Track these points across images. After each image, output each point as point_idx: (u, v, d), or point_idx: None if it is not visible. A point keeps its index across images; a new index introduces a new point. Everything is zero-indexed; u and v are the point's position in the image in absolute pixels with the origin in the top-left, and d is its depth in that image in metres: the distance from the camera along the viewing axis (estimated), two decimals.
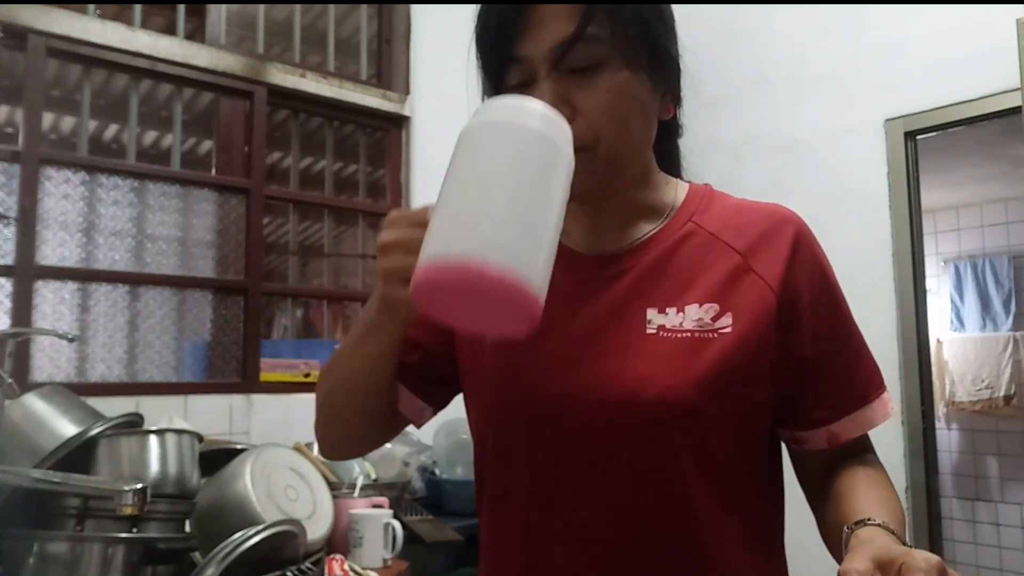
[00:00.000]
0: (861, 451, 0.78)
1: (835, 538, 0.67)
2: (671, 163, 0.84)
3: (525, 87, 0.70)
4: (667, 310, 0.72)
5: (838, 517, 0.68)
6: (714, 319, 0.71)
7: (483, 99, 0.76)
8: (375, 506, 1.84)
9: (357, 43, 2.94)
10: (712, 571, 0.71)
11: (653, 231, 0.77)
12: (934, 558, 0.51)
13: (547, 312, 0.74)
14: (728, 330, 0.70)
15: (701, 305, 0.71)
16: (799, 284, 0.73)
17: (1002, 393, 4.73)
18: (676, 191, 0.81)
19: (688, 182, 0.83)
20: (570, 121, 0.67)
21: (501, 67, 0.72)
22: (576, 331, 0.74)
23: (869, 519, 0.62)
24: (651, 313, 0.72)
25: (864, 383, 0.76)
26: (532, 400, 0.73)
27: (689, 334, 0.70)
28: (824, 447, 0.76)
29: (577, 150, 0.66)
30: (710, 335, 0.70)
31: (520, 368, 0.75)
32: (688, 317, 0.71)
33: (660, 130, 0.77)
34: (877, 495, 0.69)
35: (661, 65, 0.73)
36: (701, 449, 0.70)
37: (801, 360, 0.73)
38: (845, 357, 0.76)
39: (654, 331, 0.71)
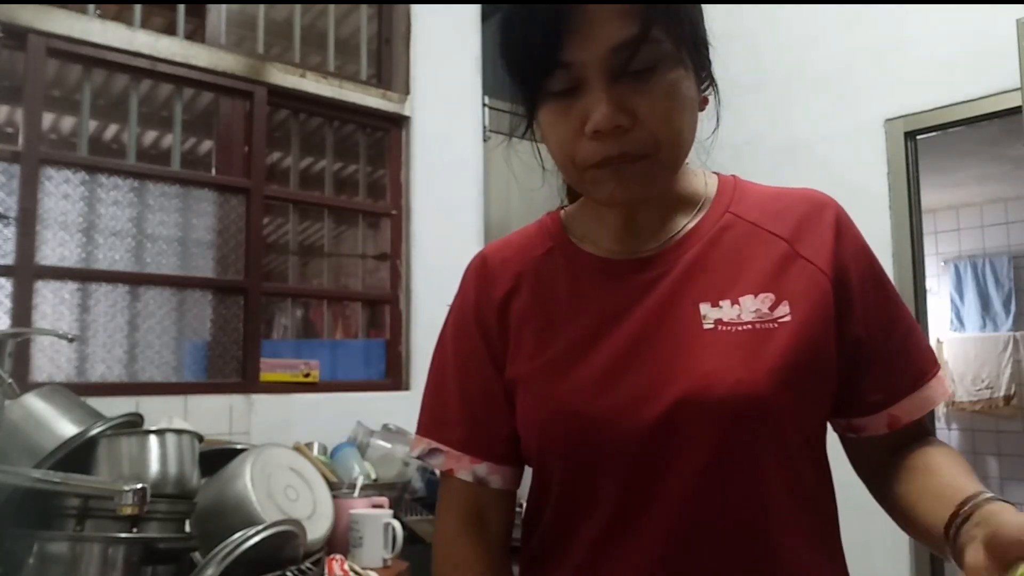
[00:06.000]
0: (924, 434, 0.74)
1: (926, 504, 0.65)
2: None
3: (570, 94, 0.66)
4: (720, 303, 0.70)
5: (936, 488, 0.65)
6: (771, 308, 0.69)
7: (513, 106, 0.73)
8: (375, 506, 1.84)
9: (357, 43, 2.94)
10: (781, 564, 0.69)
11: (689, 225, 0.75)
12: None
13: (590, 327, 0.73)
14: (788, 319, 0.68)
15: (756, 296, 0.70)
16: (847, 265, 0.72)
17: (1002, 393, 4.73)
18: (706, 181, 0.79)
19: (715, 173, 0.81)
20: (629, 129, 0.65)
21: (542, 73, 0.66)
22: (624, 338, 0.71)
23: (989, 495, 0.59)
24: (704, 308, 0.70)
25: (920, 362, 0.74)
26: (586, 418, 0.70)
27: (750, 326, 0.68)
28: (885, 432, 0.73)
29: (639, 158, 0.66)
30: (771, 325, 0.68)
31: (568, 389, 0.72)
32: (745, 309, 0.69)
33: None
34: (972, 475, 0.66)
35: (701, 57, 0.71)
36: (777, 442, 0.68)
37: (855, 342, 0.71)
38: (897, 337, 0.73)
39: (711, 326, 0.69)
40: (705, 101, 0.74)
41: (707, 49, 0.72)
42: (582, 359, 0.72)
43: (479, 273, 0.83)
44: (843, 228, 0.73)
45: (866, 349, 0.72)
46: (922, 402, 0.73)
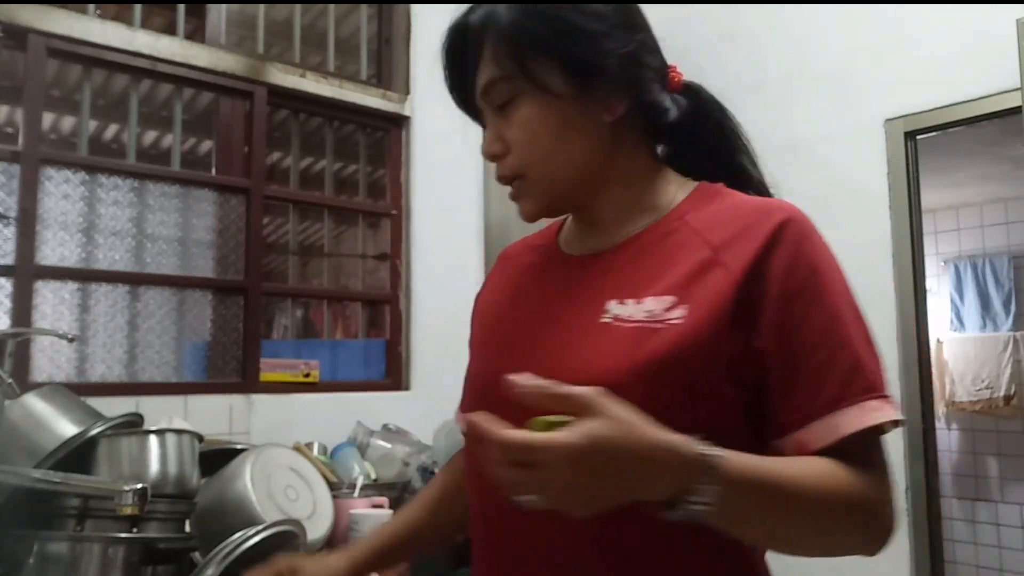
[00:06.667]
0: (857, 465, 0.66)
1: None
2: (673, 149, 0.84)
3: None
4: (626, 301, 0.73)
5: None
6: (667, 310, 0.70)
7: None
8: (375, 506, 1.84)
9: (357, 43, 2.94)
10: (641, 561, 0.69)
11: (638, 230, 0.78)
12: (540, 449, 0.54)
13: (524, 312, 0.83)
14: (679, 321, 0.69)
15: (659, 297, 0.71)
16: (770, 274, 0.69)
17: (1002, 393, 4.73)
18: (677, 191, 0.80)
19: (700, 182, 0.81)
20: (503, 155, 0.78)
21: (472, 115, 0.84)
22: (539, 324, 0.79)
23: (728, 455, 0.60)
24: (611, 304, 0.73)
25: (840, 385, 0.67)
26: (488, 391, 0.78)
27: (638, 324, 0.70)
28: None
29: (513, 178, 0.78)
30: (658, 325, 0.69)
31: (488, 363, 0.83)
32: (643, 308, 0.71)
33: (646, 122, 0.78)
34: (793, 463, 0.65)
35: (583, 78, 0.74)
36: None
37: (759, 354, 0.68)
38: (820, 356, 0.67)
39: (608, 320, 0.72)
40: (612, 112, 0.76)
41: (596, 70, 0.74)
42: (504, 340, 0.82)
43: (493, 269, 0.96)
44: (781, 238, 0.70)
45: (775, 364, 0.68)
46: (828, 429, 0.66)
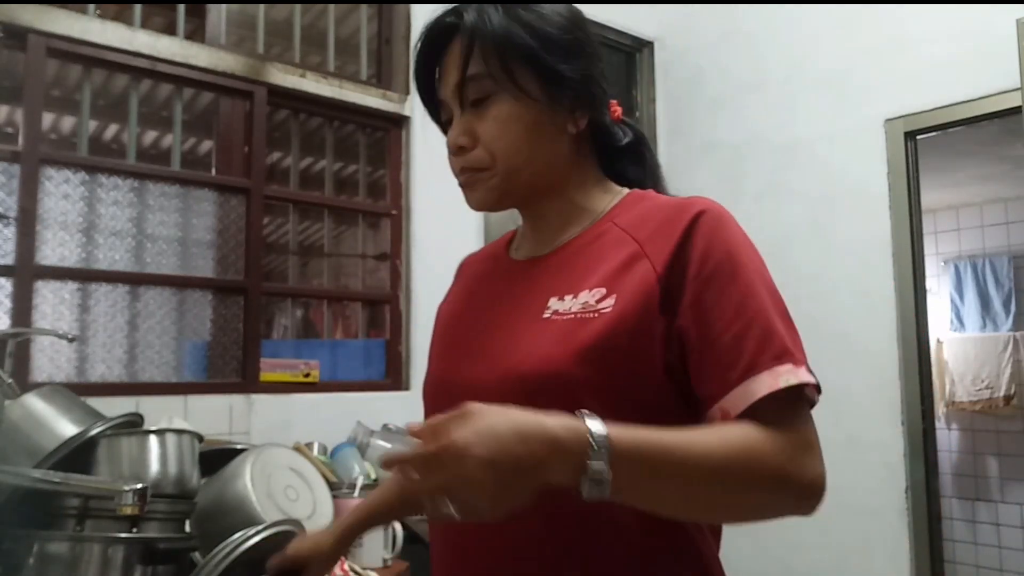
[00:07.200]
0: (772, 428, 0.69)
1: None
2: (612, 167, 0.91)
3: (450, 122, 0.86)
4: (565, 297, 0.79)
5: None
6: (599, 301, 0.76)
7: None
8: None
9: (357, 43, 2.94)
10: (587, 535, 0.73)
11: (574, 236, 0.85)
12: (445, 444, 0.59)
13: (474, 313, 0.89)
14: (609, 310, 0.75)
15: (592, 290, 0.77)
16: (688, 260, 0.75)
17: (1002, 393, 4.73)
18: (612, 198, 0.87)
19: (631, 189, 0.89)
20: (470, 148, 0.83)
21: (432, 108, 0.89)
22: (486, 323, 0.85)
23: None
24: (552, 300, 0.79)
25: (754, 354, 0.71)
26: (440, 388, 0.86)
27: (574, 316, 0.76)
28: None
29: (479, 170, 0.83)
30: (592, 315, 0.75)
31: (442, 367, 0.89)
32: (579, 301, 0.77)
33: (596, 139, 0.87)
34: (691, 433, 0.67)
35: (556, 88, 0.82)
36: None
37: (681, 333, 0.74)
38: (735, 329, 0.72)
39: (549, 315, 0.78)
40: (577, 125, 0.84)
41: (569, 82, 0.82)
42: (456, 343, 0.88)
43: (454, 280, 1.03)
44: (697, 228, 0.76)
45: (694, 342, 0.73)
46: (745, 395, 0.70)
